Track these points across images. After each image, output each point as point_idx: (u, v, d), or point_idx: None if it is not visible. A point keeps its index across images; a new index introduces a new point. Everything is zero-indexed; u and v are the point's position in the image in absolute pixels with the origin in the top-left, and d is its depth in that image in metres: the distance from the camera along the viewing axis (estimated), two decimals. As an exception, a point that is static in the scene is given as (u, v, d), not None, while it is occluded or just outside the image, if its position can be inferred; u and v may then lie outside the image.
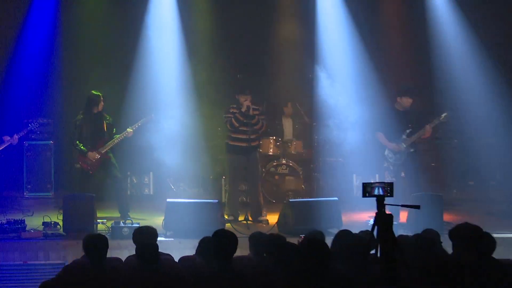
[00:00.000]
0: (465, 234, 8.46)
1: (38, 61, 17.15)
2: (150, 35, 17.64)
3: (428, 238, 9.21)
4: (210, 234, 8.87)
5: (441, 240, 9.55)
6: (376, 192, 7.98)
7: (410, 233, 9.86)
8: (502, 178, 16.84)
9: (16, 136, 14.53)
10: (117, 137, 14.53)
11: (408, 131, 14.45)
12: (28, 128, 14.88)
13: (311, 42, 18.03)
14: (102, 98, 14.64)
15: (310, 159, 17.38)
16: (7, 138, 14.48)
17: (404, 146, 14.49)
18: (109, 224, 13.71)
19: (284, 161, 16.89)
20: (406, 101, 14.52)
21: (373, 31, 18.20)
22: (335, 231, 9.88)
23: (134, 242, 9.50)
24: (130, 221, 13.62)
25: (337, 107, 16.22)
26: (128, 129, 14.53)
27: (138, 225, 12.45)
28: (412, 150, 14.55)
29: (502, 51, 17.42)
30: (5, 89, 16.33)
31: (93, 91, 14.76)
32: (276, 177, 16.86)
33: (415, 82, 17.04)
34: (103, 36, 17.84)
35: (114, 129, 14.72)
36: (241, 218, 14.75)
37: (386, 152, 14.66)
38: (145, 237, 9.60)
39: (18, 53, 17.17)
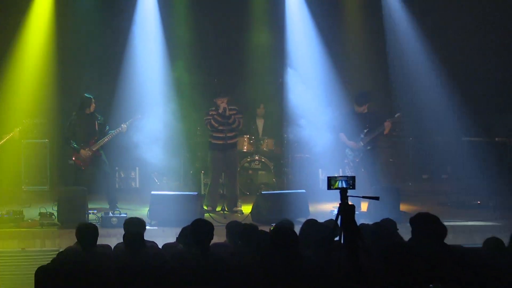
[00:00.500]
0: (424, 221, 8.51)
1: (35, 64, 17.07)
2: (136, 42, 17.61)
3: (386, 226, 9.29)
4: (190, 223, 8.90)
5: (398, 228, 9.63)
6: (339, 185, 8.04)
7: (370, 222, 9.86)
8: (452, 172, 16.91)
9: (16, 130, 14.49)
10: (111, 133, 14.52)
11: (365, 130, 14.58)
12: (25, 122, 14.84)
13: (281, 48, 18.02)
14: (93, 100, 14.67)
15: (280, 155, 17.38)
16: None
17: (362, 144, 14.62)
18: (99, 214, 13.74)
19: (257, 157, 16.90)
20: (363, 107, 14.68)
21: (335, 37, 18.20)
22: (303, 220, 9.92)
23: (124, 230, 9.51)
24: (118, 212, 13.65)
25: (307, 109, 16.24)
26: (122, 125, 14.52)
27: (125, 215, 12.47)
28: (369, 147, 14.68)
29: (451, 56, 17.45)
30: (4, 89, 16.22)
31: (85, 94, 14.78)
32: (250, 171, 16.87)
33: (373, 85, 17.06)
34: (94, 41, 17.78)
35: (107, 127, 14.71)
36: (218, 208, 14.78)
37: (347, 150, 14.81)
38: (135, 226, 9.63)
39: (17, 55, 17.07)
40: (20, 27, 17.08)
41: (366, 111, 14.77)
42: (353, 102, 14.94)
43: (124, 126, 14.50)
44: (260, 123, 17.56)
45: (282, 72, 17.62)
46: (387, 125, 14.54)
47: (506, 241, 8.63)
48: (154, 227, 12.78)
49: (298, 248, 8.16)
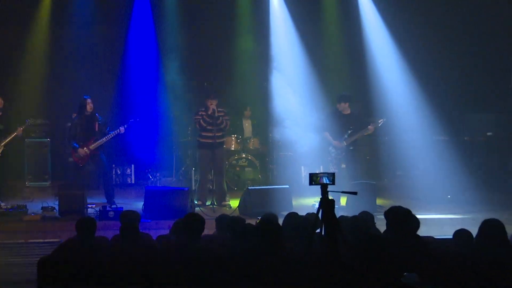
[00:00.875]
0: (397, 215, 8.53)
1: (37, 68, 17.04)
2: (132, 48, 17.60)
3: (363, 219, 9.30)
4: (182, 216, 8.90)
5: (375, 221, 9.65)
6: (320, 181, 8.05)
7: (349, 215, 9.89)
8: (424, 169, 16.95)
9: (20, 128, 14.45)
10: (110, 134, 14.50)
11: (349, 131, 14.63)
12: (27, 123, 14.78)
13: (266, 52, 18.02)
14: (89, 101, 14.56)
15: (265, 153, 17.41)
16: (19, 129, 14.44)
17: (345, 144, 14.66)
18: (97, 208, 13.73)
19: (244, 155, 16.91)
20: (344, 106, 14.72)
21: (316, 42, 18.21)
22: (286, 213, 9.92)
23: (121, 222, 9.50)
24: (115, 206, 13.69)
25: (292, 110, 16.25)
26: (120, 127, 14.50)
27: (122, 209, 12.45)
28: (351, 147, 14.75)
29: (422, 62, 17.48)
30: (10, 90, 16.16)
31: (83, 96, 14.76)
32: (237, 168, 16.88)
33: (353, 89, 17.08)
34: (93, 48, 17.73)
35: (108, 127, 14.68)
36: (208, 202, 14.79)
37: (330, 148, 14.84)
38: (131, 219, 9.62)
39: (21, 60, 17.04)
40: (23, 34, 17.01)
41: (349, 112, 14.83)
42: (336, 102, 14.95)
43: (122, 128, 14.48)
44: (247, 123, 17.57)
45: (267, 75, 17.66)
46: (371, 129, 14.65)
47: (474, 233, 8.66)
48: (148, 220, 12.76)
49: (281, 239, 8.17)
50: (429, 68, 17.52)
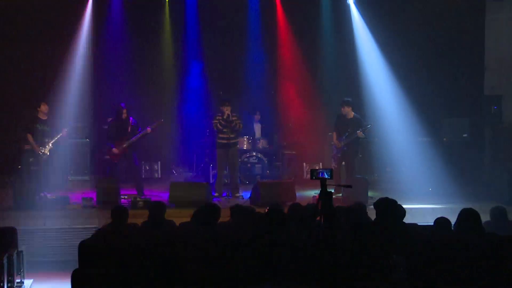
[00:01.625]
0: (386, 205, 8.54)
1: (78, 78, 17.06)
2: (159, 58, 17.64)
3: (357, 209, 9.31)
4: (201, 206, 8.94)
5: (367, 210, 9.65)
6: (320, 176, 8.05)
7: (344, 205, 9.90)
8: (409, 166, 16.92)
9: (64, 130, 14.51)
10: (139, 135, 14.55)
11: (346, 134, 14.70)
12: (70, 125, 14.85)
13: (274, 63, 18.03)
14: (125, 109, 14.71)
15: (272, 152, 17.39)
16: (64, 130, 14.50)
17: (342, 144, 14.71)
18: (129, 198, 13.79)
19: (254, 154, 16.90)
20: (347, 110, 14.78)
21: (315, 54, 18.21)
22: (291, 203, 9.94)
23: (149, 211, 9.53)
24: (144, 197, 13.74)
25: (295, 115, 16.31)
26: (147, 128, 14.55)
27: (149, 200, 12.48)
28: (345, 148, 14.79)
29: (407, 75, 17.46)
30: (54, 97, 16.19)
31: (120, 103, 14.85)
32: (249, 165, 16.86)
33: (348, 96, 17.11)
34: (126, 56, 17.74)
35: (140, 128, 14.71)
36: (224, 194, 14.85)
37: (333, 147, 14.92)
38: (157, 208, 9.64)
39: (63, 71, 17.06)
40: (65, 48, 17.00)
41: (351, 116, 14.85)
42: (341, 105, 14.97)
43: (149, 129, 14.52)
44: (257, 126, 17.58)
45: (274, 85, 17.72)
46: (359, 134, 14.68)
47: (452, 220, 8.66)
48: (173, 209, 12.77)
49: (286, 225, 8.20)
50: (412, 78, 17.46)
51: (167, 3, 17.55)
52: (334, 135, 15.01)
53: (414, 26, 17.15)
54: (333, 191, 8.52)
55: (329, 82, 18.01)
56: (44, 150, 14.16)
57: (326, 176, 8.05)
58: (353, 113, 14.90)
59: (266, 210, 9.13)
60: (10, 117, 16.43)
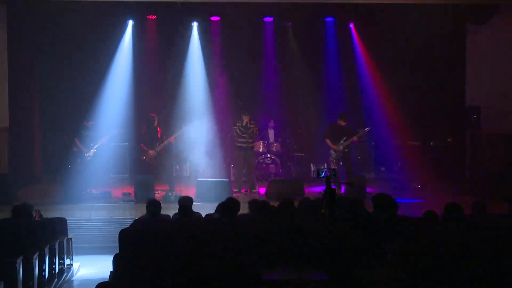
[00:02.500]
0: (382, 199, 8.52)
1: (118, 95, 17.09)
2: (187, 72, 17.63)
3: (356, 202, 9.27)
4: (223, 200, 8.93)
5: (364, 204, 9.60)
6: (325, 174, 8.03)
7: (345, 199, 9.85)
8: (400, 165, 16.86)
9: (105, 138, 14.55)
10: (164, 143, 14.66)
11: (344, 138, 14.68)
12: (113, 131, 14.88)
13: (289, 78, 17.98)
14: (156, 118, 14.93)
15: (285, 154, 17.33)
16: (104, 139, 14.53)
17: (341, 147, 14.67)
18: (162, 193, 13.79)
19: (269, 155, 16.83)
20: (343, 122, 14.83)
21: (320, 65, 18.20)
22: (300, 198, 9.91)
23: (179, 204, 9.52)
24: (175, 192, 13.74)
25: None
26: (171, 137, 14.68)
27: (180, 195, 12.47)
28: (346, 150, 14.78)
29: (399, 80, 17.41)
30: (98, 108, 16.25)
31: (151, 114, 15.02)
32: (264, 165, 16.79)
33: (348, 104, 17.10)
34: (159, 71, 17.75)
35: (165, 137, 14.80)
36: (243, 190, 14.85)
37: (331, 151, 14.88)
38: (186, 202, 9.64)
39: (108, 86, 17.11)
40: (106, 64, 17.05)
41: (344, 124, 14.86)
42: (337, 118, 14.95)
43: (172, 138, 14.76)
44: (271, 132, 17.53)
45: (286, 97, 17.70)
46: (355, 138, 14.87)
47: (439, 213, 8.62)
48: (199, 203, 12.73)
49: (296, 217, 8.19)
50: (405, 89, 17.39)
51: (195, 26, 17.52)
52: (329, 141, 14.92)
53: (405, 46, 17.05)
54: (335, 187, 8.48)
55: (332, 95, 17.94)
56: (89, 153, 14.20)
57: (330, 175, 8.05)
58: (345, 121, 14.92)
59: (279, 204, 9.14)
60: (64, 125, 16.48)
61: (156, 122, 14.94)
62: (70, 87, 17.05)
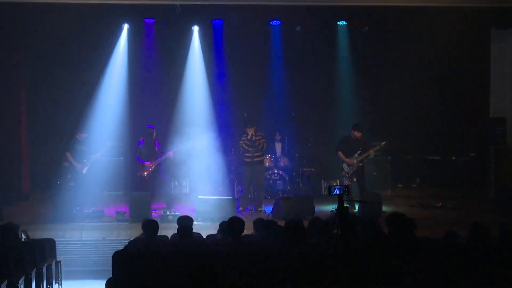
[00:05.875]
0: (398, 219, 8.49)
1: (113, 105, 17.13)
2: (186, 83, 17.67)
3: (371, 222, 9.24)
4: (227, 220, 8.91)
5: (380, 224, 9.57)
6: (337, 192, 8.02)
7: (360, 219, 9.83)
8: (420, 182, 16.86)
9: (98, 154, 14.55)
10: (163, 158, 14.67)
11: (358, 152, 14.66)
12: (106, 146, 14.87)
13: (294, 87, 18.01)
14: (154, 130, 14.92)
15: (293, 169, 17.32)
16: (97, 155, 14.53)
17: (355, 161, 14.65)
18: (159, 212, 13.79)
19: (276, 171, 16.83)
20: (357, 134, 14.78)
21: (331, 80, 18.22)
22: (310, 217, 9.91)
23: (178, 224, 9.51)
24: (173, 211, 13.72)
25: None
26: (169, 152, 14.71)
27: (179, 214, 12.46)
28: (360, 164, 14.75)
29: (419, 91, 17.45)
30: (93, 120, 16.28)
31: (149, 126, 15.00)
32: (271, 181, 16.78)
33: (363, 117, 17.05)
34: (156, 80, 17.81)
35: (163, 151, 14.82)
36: (248, 209, 14.82)
37: (343, 165, 14.85)
38: (186, 221, 9.62)
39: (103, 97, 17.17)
40: (102, 72, 17.10)
41: (359, 137, 14.84)
42: (351, 129, 14.94)
43: (171, 153, 14.75)
44: (278, 146, 17.54)
45: (294, 107, 17.71)
46: (371, 152, 14.81)
47: (461, 233, 8.60)
48: (200, 222, 12.74)
49: (305, 238, 8.17)
50: (423, 100, 17.49)
51: (196, 31, 17.54)
52: (342, 154, 14.93)
53: (425, 53, 17.10)
54: (349, 206, 8.48)
55: (345, 105, 17.97)
56: (83, 170, 14.18)
57: (343, 192, 8.04)
58: (360, 134, 14.90)
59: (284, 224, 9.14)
60: (53, 138, 16.52)
61: (154, 135, 14.97)
62: (60, 97, 17.14)
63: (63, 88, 17.18)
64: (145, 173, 14.66)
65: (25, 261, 9.34)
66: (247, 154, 14.83)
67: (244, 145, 14.81)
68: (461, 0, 15.34)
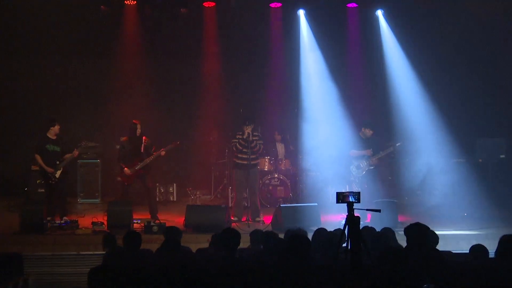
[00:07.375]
0: (417, 230, 8.48)
1: (89, 98, 17.15)
2: (176, 69, 17.72)
3: (386, 234, 9.25)
4: (220, 231, 8.90)
5: (396, 236, 9.58)
6: (347, 199, 8.02)
7: (372, 230, 9.84)
8: (441, 188, 16.87)
9: (76, 151, 14.47)
10: (153, 156, 14.57)
11: (380, 152, 14.72)
12: (82, 145, 14.77)
13: (296, 82, 18.02)
14: (138, 125, 14.71)
15: (296, 173, 17.33)
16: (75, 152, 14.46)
17: (366, 163, 14.67)
18: (142, 223, 13.76)
19: (276, 175, 16.85)
20: (368, 132, 14.79)
21: (341, 71, 18.18)
22: (315, 229, 9.90)
23: (165, 237, 9.51)
24: (158, 221, 13.69)
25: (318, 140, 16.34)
26: (161, 150, 14.59)
27: (164, 225, 12.45)
28: (371, 167, 14.77)
29: (439, 89, 17.46)
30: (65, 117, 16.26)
31: (134, 120, 14.86)
32: (270, 187, 16.80)
33: (374, 117, 17.02)
34: (141, 73, 17.84)
35: (154, 148, 14.72)
36: (243, 219, 14.77)
37: (351, 167, 14.88)
38: (174, 234, 9.64)
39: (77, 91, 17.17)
40: (78, 63, 17.15)
41: (371, 135, 14.86)
42: (362, 126, 14.98)
43: (162, 151, 14.56)
44: (280, 146, 17.55)
45: (297, 102, 17.68)
46: (382, 154, 14.92)
47: (488, 247, 8.58)
48: (189, 234, 12.74)
49: (309, 252, 8.16)
50: (445, 96, 17.45)
51: (185, 14, 17.58)
52: (354, 151, 15.04)
53: (447, 42, 17.12)
54: (360, 215, 8.47)
55: (355, 101, 17.98)
56: (56, 173, 14.11)
57: (353, 200, 8.03)
58: (372, 132, 14.99)
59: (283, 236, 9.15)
60: (19, 137, 16.51)
61: (139, 130, 14.77)
62: (27, 89, 17.11)
63: (31, 77, 17.19)
64: (126, 177, 14.63)
65: (-14, 280, 9.33)
66: (241, 156, 14.79)
67: (238, 145, 14.75)
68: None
